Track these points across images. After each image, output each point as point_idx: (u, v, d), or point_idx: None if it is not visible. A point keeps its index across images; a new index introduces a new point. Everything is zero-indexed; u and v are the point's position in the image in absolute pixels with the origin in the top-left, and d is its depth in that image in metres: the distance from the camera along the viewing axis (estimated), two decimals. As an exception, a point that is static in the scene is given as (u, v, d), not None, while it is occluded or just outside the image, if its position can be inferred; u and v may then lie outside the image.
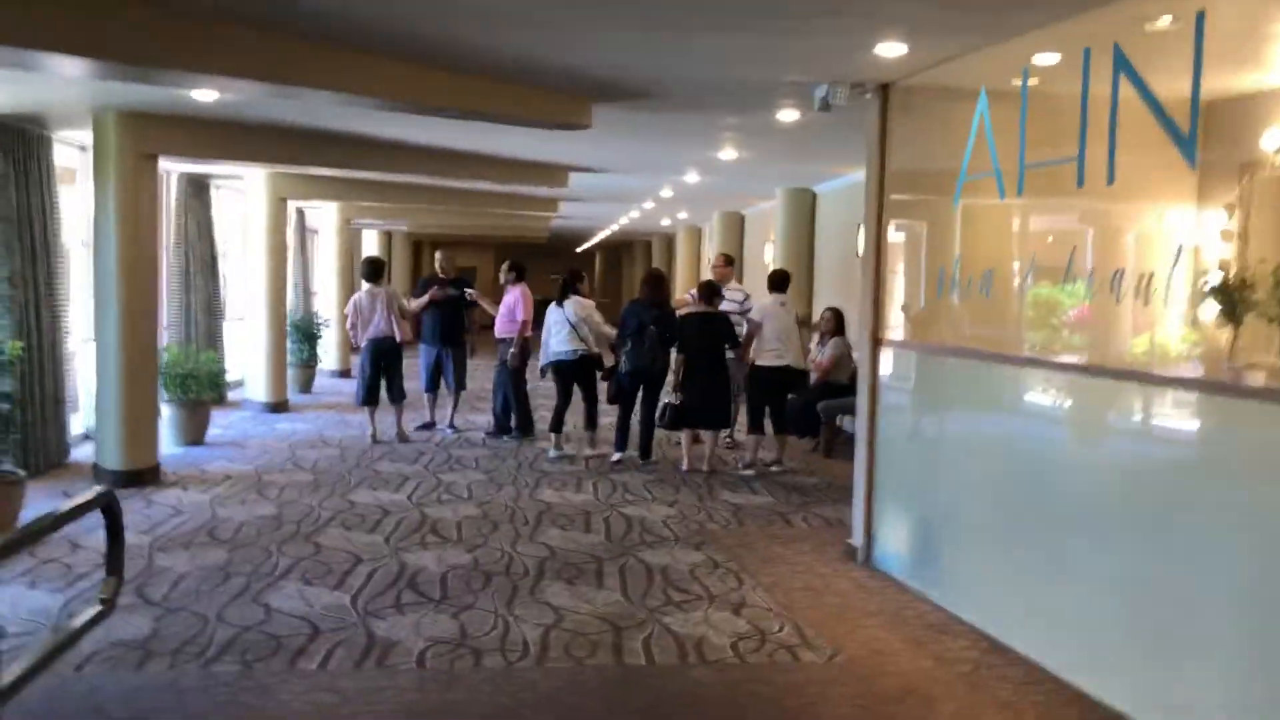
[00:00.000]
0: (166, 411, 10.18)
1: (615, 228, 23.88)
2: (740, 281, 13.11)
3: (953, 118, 5.81)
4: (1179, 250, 4.04)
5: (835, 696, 4.53)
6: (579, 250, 37.06)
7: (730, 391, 9.62)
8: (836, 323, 10.48)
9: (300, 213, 17.51)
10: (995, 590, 5.28)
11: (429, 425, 11.44)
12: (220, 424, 11.52)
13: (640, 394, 9.66)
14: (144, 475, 8.33)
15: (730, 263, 11.16)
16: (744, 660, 4.90)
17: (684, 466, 9.49)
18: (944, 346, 5.87)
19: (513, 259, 11.13)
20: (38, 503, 7.51)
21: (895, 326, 6.45)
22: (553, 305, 10.05)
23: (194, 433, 10.22)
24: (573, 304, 9.92)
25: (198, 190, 12.79)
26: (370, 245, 21.76)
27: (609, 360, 9.92)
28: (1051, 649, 4.78)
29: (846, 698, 4.52)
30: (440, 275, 11.39)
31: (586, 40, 5.58)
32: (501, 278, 10.94)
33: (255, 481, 8.60)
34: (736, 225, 17.88)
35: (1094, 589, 4.53)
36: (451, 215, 19.57)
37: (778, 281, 9.71)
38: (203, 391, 10.26)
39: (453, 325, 11.14)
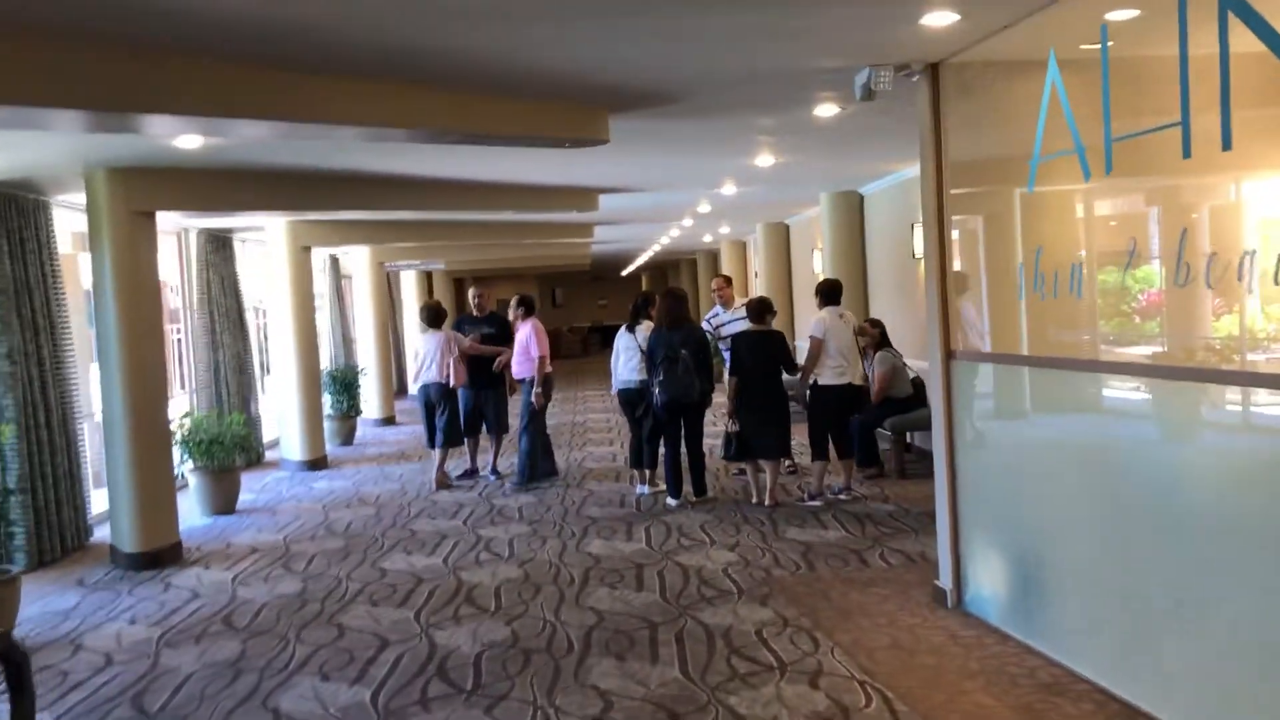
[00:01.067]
0: (193, 481, 9.66)
1: (657, 248, 23.21)
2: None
3: (1018, 93, 5.03)
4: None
5: (940, 793, 3.75)
6: (624, 274, 36.50)
7: (789, 416, 8.85)
8: (880, 335, 9.70)
9: (334, 259, 17.14)
10: (1117, 639, 4.46)
11: (471, 472, 10.84)
12: (254, 488, 10.99)
13: (683, 427, 8.93)
14: (163, 556, 7.75)
15: (730, 283, 10.46)
16: (826, 748, 4.14)
17: (754, 499, 8.74)
18: (1032, 356, 5.06)
19: (521, 294, 10.50)
20: (48, 595, 6.97)
21: (970, 335, 5.66)
22: (623, 330, 9.54)
23: (222, 502, 9.66)
24: (644, 329, 9.30)
25: (219, 246, 12.34)
26: (409, 287, 21.30)
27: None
28: (1194, 712, 3.96)
29: (954, 794, 3.74)
30: (476, 314, 10.82)
31: (592, 33, 4.88)
32: (510, 314, 10.36)
33: (283, 553, 7.99)
34: (781, 236, 17.12)
35: (1238, 638, 3.71)
36: (487, 249, 19.05)
37: (829, 292, 8.95)
38: (229, 457, 9.70)
39: (489, 366, 10.53)
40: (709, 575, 6.68)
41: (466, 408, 10.60)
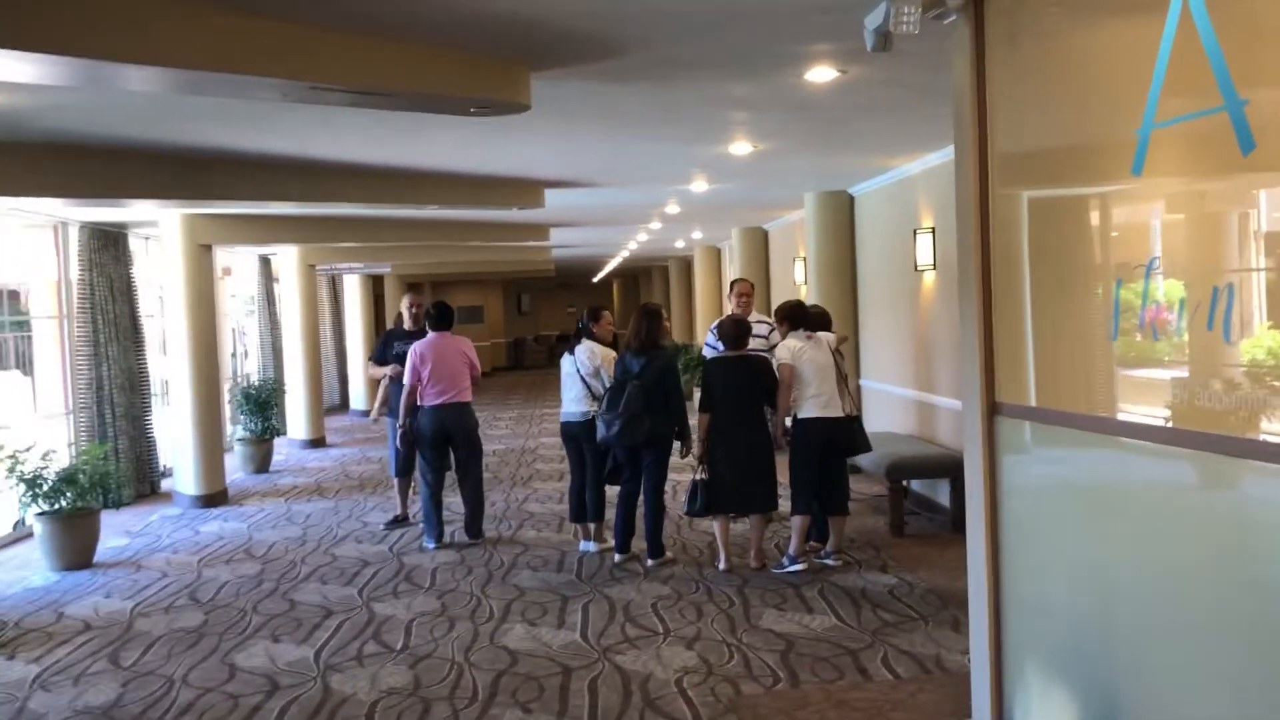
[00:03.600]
0: (38, 529, 7.90)
1: (626, 254, 21.56)
2: (769, 311, 10.75)
3: (1113, 33, 3.41)
4: None
5: None
6: (595, 281, 34.83)
7: (774, 458, 7.22)
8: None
9: (265, 261, 15.43)
10: None
11: (401, 519, 9.04)
12: (133, 529, 9.26)
13: (645, 469, 7.29)
14: (-43, 639, 6.03)
15: (753, 289, 8.83)
16: None
17: (721, 565, 7.09)
18: (1136, 425, 3.41)
19: (436, 301, 8.42)
20: None
21: (1022, 383, 4.02)
22: (565, 354, 7.76)
23: (75, 554, 7.90)
24: (585, 351, 7.58)
25: (107, 243, 10.61)
26: (352, 293, 19.54)
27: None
28: None
29: None
30: (409, 326, 8.96)
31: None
32: (405, 317, 8.59)
33: (119, 635, 6.25)
34: (759, 242, 15.50)
35: None
36: (436, 252, 17.35)
37: (794, 316, 7.27)
38: (86, 499, 7.96)
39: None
40: (656, 691, 5.00)
41: (400, 441, 8.59)
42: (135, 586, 7.36)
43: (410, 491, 9.03)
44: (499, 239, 13.58)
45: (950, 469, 7.96)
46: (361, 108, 4.65)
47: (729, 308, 8.51)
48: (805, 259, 12.74)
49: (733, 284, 8.61)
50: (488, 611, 6.41)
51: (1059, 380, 3.82)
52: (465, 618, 6.30)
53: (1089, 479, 3.66)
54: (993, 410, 4.04)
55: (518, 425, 16.65)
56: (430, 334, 8.07)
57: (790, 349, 7.09)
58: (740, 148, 7.48)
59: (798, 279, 12.96)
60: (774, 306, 15.01)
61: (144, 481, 11.04)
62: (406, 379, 8.01)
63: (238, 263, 16.30)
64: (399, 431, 8.22)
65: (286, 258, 14.79)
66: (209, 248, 10.63)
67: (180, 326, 10.38)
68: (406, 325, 9.00)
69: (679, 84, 5.37)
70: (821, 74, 5.19)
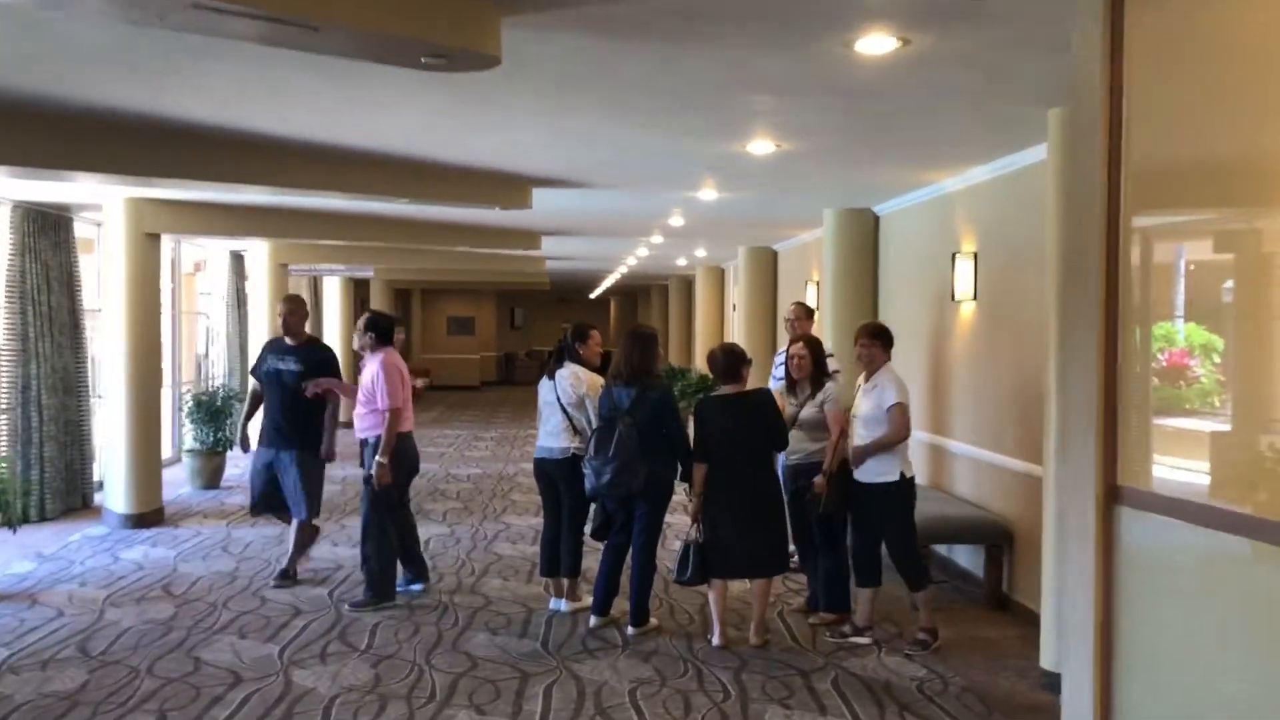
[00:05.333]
0: (-83, 552, 6.75)
1: (624, 270, 20.46)
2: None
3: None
4: None
5: None
6: (592, 297, 33.74)
7: (784, 513, 6.09)
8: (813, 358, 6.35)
9: (238, 258, 14.33)
10: None
11: (287, 575, 7.29)
12: (47, 550, 8.15)
13: (637, 519, 6.16)
14: None
15: (811, 314, 7.73)
16: None
17: (716, 640, 5.93)
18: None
19: (373, 312, 7.21)
20: None
21: (1147, 464, 2.89)
22: (543, 379, 6.64)
23: (-42, 584, 6.76)
24: (569, 376, 6.45)
25: (46, 226, 9.50)
26: (333, 297, 18.41)
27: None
28: None
29: None
30: (286, 339, 7.31)
31: None
32: (356, 341, 6.97)
33: (-27, 697, 5.10)
34: (767, 264, 14.41)
35: None
36: (424, 257, 16.24)
37: (883, 334, 6.15)
38: (-22, 518, 6.82)
39: (295, 416, 7.08)
40: (629, 827, 3.85)
41: (259, 474, 7.26)
42: (18, 630, 6.18)
43: (312, 538, 7.51)
44: (486, 244, 12.44)
45: (986, 534, 6.82)
46: (277, 46, 3.54)
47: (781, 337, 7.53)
48: (819, 283, 11.66)
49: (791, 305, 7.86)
50: (429, 688, 5.24)
51: (1226, 468, 2.69)
52: (400, 696, 5.13)
53: (1267, 604, 2.52)
54: (1112, 497, 2.91)
55: (499, 447, 15.47)
56: (379, 354, 6.76)
57: (897, 382, 5.94)
58: (761, 146, 6.37)
59: (810, 304, 11.83)
60: (778, 330, 14.08)
61: (74, 494, 9.89)
62: (390, 401, 6.62)
63: (212, 258, 15.20)
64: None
65: (258, 255, 13.65)
66: (156, 237, 9.51)
67: (118, 323, 9.25)
68: (286, 337, 7.30)
69: (690, 48, 4.26)
70: (876, 43, 4.08)
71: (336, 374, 7.33)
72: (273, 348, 7.40)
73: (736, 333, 15.93)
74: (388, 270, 18.80)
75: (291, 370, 7.11)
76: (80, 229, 10.12)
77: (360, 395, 6.74)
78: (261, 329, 13.71)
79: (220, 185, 7.32)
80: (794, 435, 6.23)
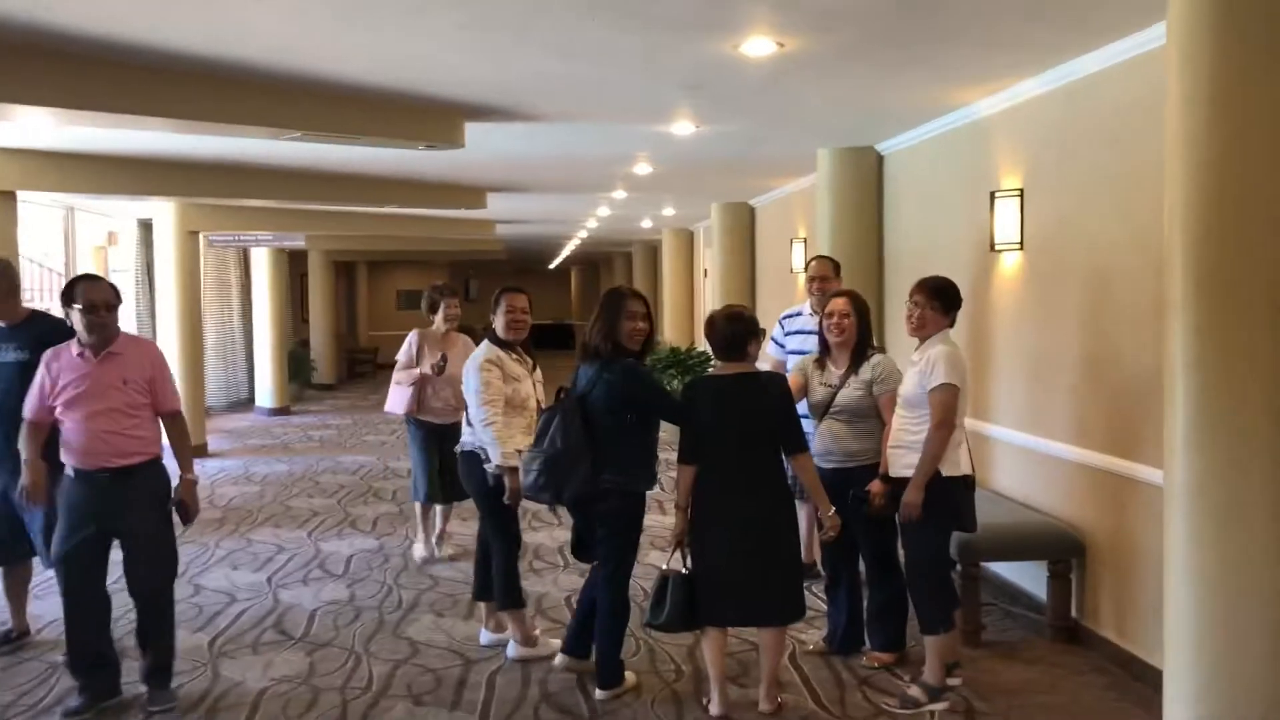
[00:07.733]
0: None
1: (584, 234, 18.82)
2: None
3: None
4: None
5: None
6: (551, 267, 32.08)
7: (798, 540, 4.57)
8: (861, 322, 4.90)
9: (145, 225, 12.65)
10: None
11: (7, 636, 5.33)
12: None
13: (598, 544, 4.64)
14: None
15: (838, 270, 6.21)
16: None
17: (714, 708, 4.38)
18: None
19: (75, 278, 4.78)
20: None
21: None
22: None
23: None
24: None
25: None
26: (260, 270, 16.64)
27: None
28: None
29: None
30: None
31: None
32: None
33: None
34: (743, 221, 12.84)
35: None
36: (360, 222, 14.56)
37: (947, 292, 4.59)
38: None
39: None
40: None
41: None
42: None
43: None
44: (423, 203, 10.76)
45: (1051, 547, 5.32)
46: None
47: (804, 302, 6.08)
48: (806, 240, 10.15)
49: (807, 264, 6.34)
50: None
51: None
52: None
53: None
54: None
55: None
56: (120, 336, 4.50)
57: (949, 357, 4.39)
58: (759, 45, 4.78)
59: (797, 265, 10.32)
60: (757, 294, 12.54)
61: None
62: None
63: (125, 229, 13.43)
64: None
65: (162, 220, 11.89)
66: (12, 195, 7.78)
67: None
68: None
69: None
70: None
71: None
72: None
73: (709, 302, 14.41)
74: (324, 239, 17.04)
75: (11, 361, 4.95)
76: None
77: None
78: (169, 306, 11.97)
79: (63, 111, 5.53)
80: (826, 427, 4.74)
